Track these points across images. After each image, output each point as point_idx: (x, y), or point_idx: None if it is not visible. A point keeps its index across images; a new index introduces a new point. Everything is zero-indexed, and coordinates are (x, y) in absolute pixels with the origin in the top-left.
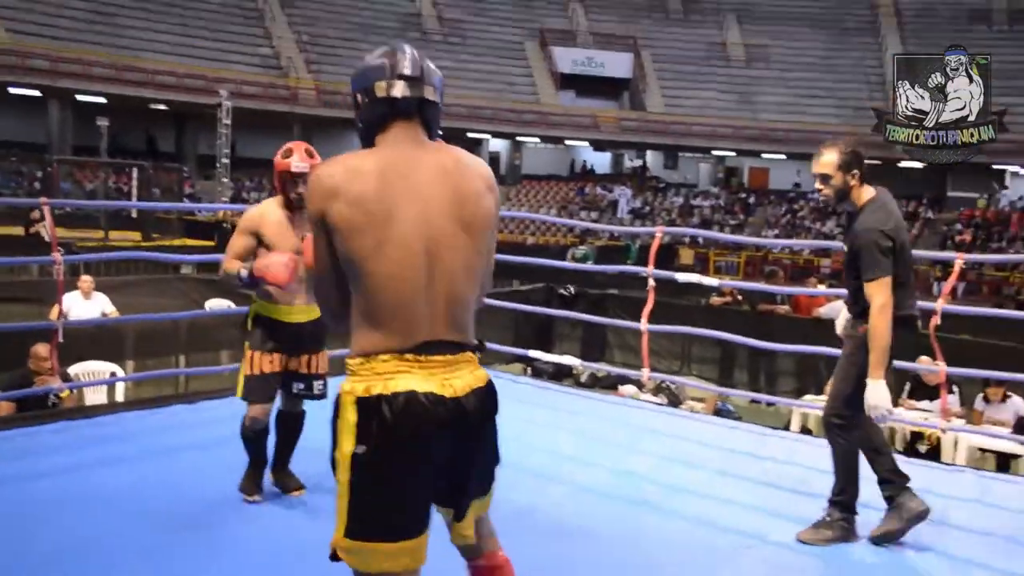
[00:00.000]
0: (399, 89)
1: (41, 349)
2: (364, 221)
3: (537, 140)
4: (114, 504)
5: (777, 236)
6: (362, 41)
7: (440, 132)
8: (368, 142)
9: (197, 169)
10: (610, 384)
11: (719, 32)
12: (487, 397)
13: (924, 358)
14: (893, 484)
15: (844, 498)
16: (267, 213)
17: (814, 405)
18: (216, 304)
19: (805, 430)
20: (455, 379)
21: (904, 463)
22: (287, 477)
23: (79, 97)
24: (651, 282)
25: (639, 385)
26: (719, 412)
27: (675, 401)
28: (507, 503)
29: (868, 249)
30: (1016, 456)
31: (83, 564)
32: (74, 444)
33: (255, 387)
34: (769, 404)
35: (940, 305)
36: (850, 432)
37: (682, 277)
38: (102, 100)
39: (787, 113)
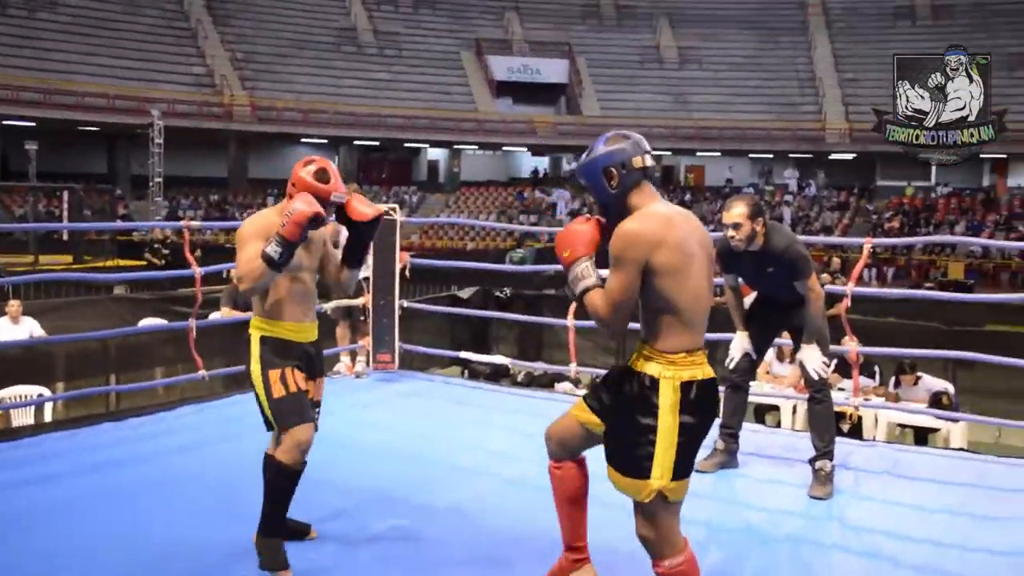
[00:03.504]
0: (649, 160)
1: None
2: (683, 260)
3: (475, 147)
4: (25, 525)
5: (713, 231)
6: (296, 56)
7: (378, 143)
8: (621, 201)
9: (131, 190)
10: (547, 383)
11: (652, 36)
12: None
13: (846, 339)
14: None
15: (832, 447)
16: (276, 224)
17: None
18: (149, 323)
19: None
20: (709, 367)
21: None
22: (295, 523)
23: (6, 122)
24: None
25: (574, 382)
26: None
27: None
28: (436, 498)
29: (801, 256)
30: (933, 430)
31: None
32: None
33: (295, 406)
34: None
35: (850, 288)
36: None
37: (607, 273)
38: (31, 124)
39: (720, 111)
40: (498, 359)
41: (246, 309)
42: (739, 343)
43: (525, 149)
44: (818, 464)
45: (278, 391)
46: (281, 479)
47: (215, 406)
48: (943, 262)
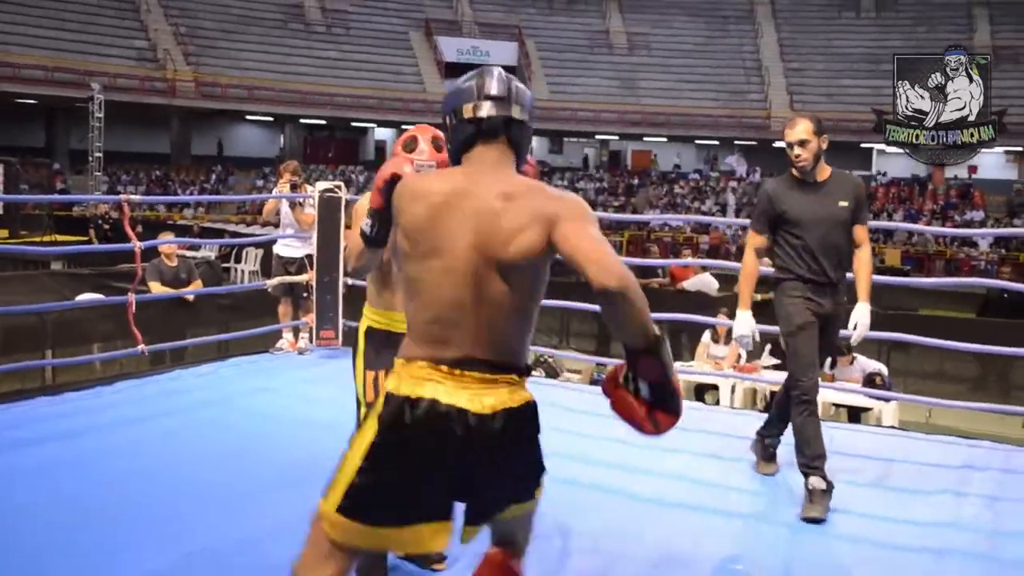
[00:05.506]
0: (485, 109)
1: None
2: (429, 240)
3: None
4: None
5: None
6: (243, 32)
7: (324, 122)
8: (456, 162)
9: (70, 165)
10: None
11: (601, 20)
12: (523, 418)
13: None
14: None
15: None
16: None
17: (684, 371)
18: (87, 299)
19: None
20: (488, 396)
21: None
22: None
23: None
24: None
25: None
26: (595, 382)
27: (553, 373)
28: None
29: (866, 199)
30: (866, 409)
31: None
32: None
33: None
34: None
35: None
36: None
37: None
38: None
39: (668, 98)
40: None
41: (173, 284)
42: (747, 322)
43: None
44: (811, 483)
45: (369, 395)
46: None
47: (155, 381)
48: (881, 249)
